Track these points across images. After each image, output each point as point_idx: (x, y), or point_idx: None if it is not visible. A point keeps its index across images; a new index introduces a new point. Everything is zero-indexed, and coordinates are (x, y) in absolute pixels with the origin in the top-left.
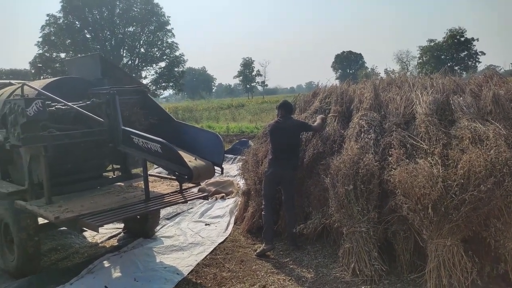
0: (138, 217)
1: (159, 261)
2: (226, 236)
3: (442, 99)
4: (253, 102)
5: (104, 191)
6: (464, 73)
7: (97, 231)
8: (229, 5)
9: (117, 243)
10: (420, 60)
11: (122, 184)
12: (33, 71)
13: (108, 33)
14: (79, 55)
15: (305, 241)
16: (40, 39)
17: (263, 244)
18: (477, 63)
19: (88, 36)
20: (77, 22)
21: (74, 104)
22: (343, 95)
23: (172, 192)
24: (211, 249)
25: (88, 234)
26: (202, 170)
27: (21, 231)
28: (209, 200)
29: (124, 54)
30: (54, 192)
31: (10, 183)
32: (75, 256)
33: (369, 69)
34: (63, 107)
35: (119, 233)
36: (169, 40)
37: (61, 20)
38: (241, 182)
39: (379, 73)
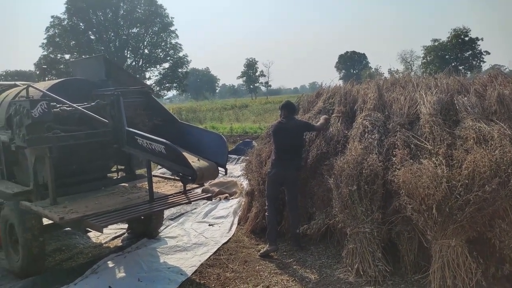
0: (142, 217)
1: (163, 262)
2: (229, 237)
3: (447, 99)
4: (256, 102)
5: (108, 192)
6: (469, 73)
7: (101, 232)
8: (231, 5)
9: (121, 244)
10: (424, 60)
11: (126, 185)
12: (38, 72)
13: (112, 34)
14: (83, 57)
15: (308, 241)
16: (45, 41)
17: (267, 245)
18: (481, 63)
19: (92, 37)
20: (81, 24)
21: (78, 106)
22: (347, 95)
23: (176, 193)
24: (215, 249)
25: (93, 234)
26: (206, 170)
27: (26, 231)
28: (213, 200)
29: (128, 55)
30: (59, 193)
31: (15, 184)
32: (80, 257)
33: (373, 69)
34: (68, 108)
35: (123, 234)
36: (173, 41)
37: (65, 22)
38: (244, 183)
39: (383, 73)
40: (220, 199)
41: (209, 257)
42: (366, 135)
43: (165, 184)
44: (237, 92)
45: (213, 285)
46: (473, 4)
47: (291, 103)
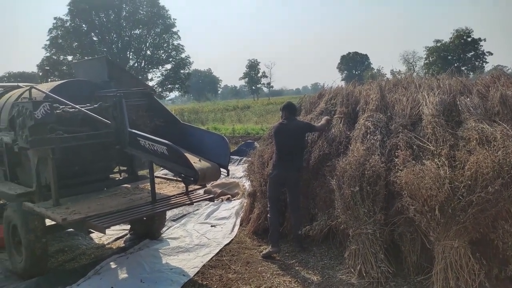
0: (145, 218)
1: (165, 263)
2: (232, 238)
3: (449, 100)
4: (258, 103)
5: (110, 193)
6: (471, 73)
7: (104, 233)
8: (233, 6)
9: (123, 245)
10: (427, 61)
11: (129, 186)
12: (40, 73)
13: (114, 35)
14: (86, 58)
15: (311, 242)
16: (48, 42)
17: (269, 246)
18: (484, 64)
19: (95, 39)
20: (84, 25)
21: (81, 107)
22: (349, 96)
23: (178, 194)
24: (217, 250)
25: (95, 235)
26: (208, 171)
27: (29, 232)
28: (215, 201)
29: (131, 57)
30: (61, 194)
31: (18, 185)
32: (82, 258)
33: (375, 70)
34: (70, 110)
35: (126, 235)
36: (175, 42)
37: (68, 23)
38: (246, 184)
39: (385, 74)
40: (222, 200)
41: (211, 258)
42: (368, 136)
43: (167, 185)
44: (239, 93)
45: (215, 286)
46: (475, 5)
47: (292, 104)
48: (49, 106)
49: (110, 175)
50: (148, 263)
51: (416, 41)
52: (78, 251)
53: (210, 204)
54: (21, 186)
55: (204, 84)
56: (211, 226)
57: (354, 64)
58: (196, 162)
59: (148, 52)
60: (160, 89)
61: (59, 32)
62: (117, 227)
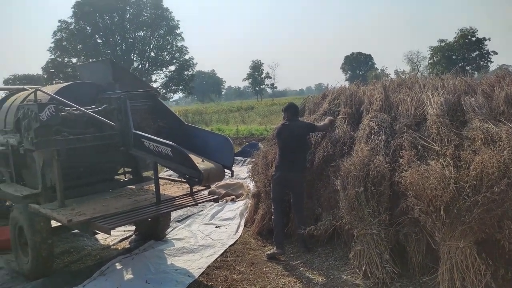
0: (150, 219)
1: (170, 263)
2: (236, 239)
3: (454, 100)
4: (262, 104)
5: (115, 194)
6: (476, 73)
7: (109, 234)
8: (236, 7)
9: (128, 246)
10: (431, 61)
11: (134, 187)
12: (45, 76)
13: (118, 38)
14: (90, 60)
15: (315, 243)
16: (52, 45)
17: (274, 247)
18: (489, 63)
19: (99, 41)
20: (88, 28)
21: (86, 109)
22: (353, 96)
23: (182, 195)
24: (222, 251)
25: (100, 236)
26: (212, 172)
27: (35, 234)
28: (220, 202)
29: (135, 59)
30: (66, 196)
31: (24, 187)
32: (88, 258)
33: (379, 70)
34: (75, 112)
35: (131, 236)
36: (179, 44)
37: (72, 26)
38: (251, 185)
39: (389, 74)
40: (226, 201)
41: (216, 259)
42: (372, 136)
43: (171, 186)
44: (243, 94)
45: (220, 287)
46: (480, 4)
47: (294, 105)
48: (54, 108)
49: (115, 177)
50: (153, 264)
51: (420, 41)
52: (84, 252)
53: (215, 205)
54: (26, 187)
55: (208, 85)
56: (216, 227)
57: (358, 65)
58: (199, 163)
59: (152, 54)
60: (164, 91)
61: (64, 35)
62: (122, 228)
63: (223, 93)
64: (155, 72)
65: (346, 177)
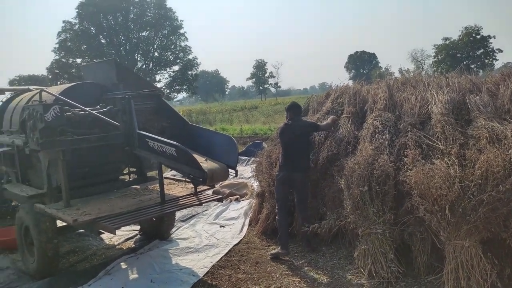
0: (154, 219)
1: (175, 263)
2: (240, 238)
3: (458, 99)
4: (266, 103)
5: (120, 194)
6: (481, 71)
7: (114, 233)
8: (239, 7)
9: (133, 245)
10: (436, 59)
11: (138, 187)
12: (50, 76)
13: (122, 38)
14: (94, 61)
15: (320, 242)
16: (57, 45)
17: (279, 248)
18: (494, 61)
19: (103, 41)
20: (92, 28)
21: (90, 109)
22: (356, 95)
23: (187, 195)
24: (226, 251)
25: (105, 236)
26: (216, 172)
27: (41, 233)
28: (224, 202)
29: (139, 59)
30: (72, 195)
31: (29, 187)
32: (93, 258)
33: (383, 69)
34: (80, 112)
35: (136, 235)
36: (182, 44)
37: (76, 26)
38: (255, 184)
39: (393, 73)
40: (231, 201)
41: (221, 259)
42: (376, 135)
43: (176, 186)
44: (247, 94)
45: (224, 286)
46: (485, 2)
47: (296, 104)
48: (59, 109)
49: (120, 177)
50: (158, 263)
51: (425, 39)
52: (89, 252)
53: (219, 204)
54: (32, 188)
55: (211, 85)
56: (220, 226)
57: (362, 63)
58: (203, 162)
59: (156, 54)
60: (168, 91)
61: (68, 35)
62: (127, 227)
63: (226, 92)
64: (159, 72)
65: (351, 176)
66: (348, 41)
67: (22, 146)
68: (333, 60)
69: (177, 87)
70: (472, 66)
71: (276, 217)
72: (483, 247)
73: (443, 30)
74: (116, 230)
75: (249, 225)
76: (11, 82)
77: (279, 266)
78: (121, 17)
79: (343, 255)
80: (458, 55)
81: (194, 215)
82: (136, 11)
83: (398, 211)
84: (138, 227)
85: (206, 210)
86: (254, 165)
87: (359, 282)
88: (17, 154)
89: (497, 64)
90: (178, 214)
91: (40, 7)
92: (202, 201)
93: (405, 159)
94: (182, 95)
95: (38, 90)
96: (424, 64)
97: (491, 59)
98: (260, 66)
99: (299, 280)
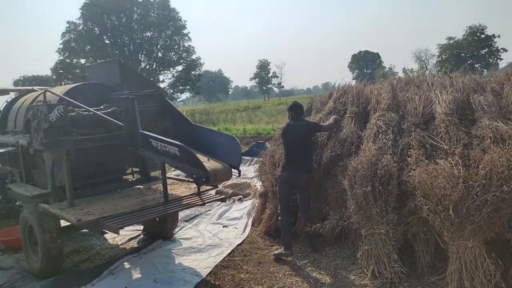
0: (157, 219)
1: (178, 263)
2: (243, 238)
3: (462, 98)
4: (269, 103)
5: (124, 194)
6: (485, 71)
7: (118, 233)
8: (243, 7)
9: (137, 245)
10: (440, 59)
11: (142, 187)
12: (54, 77)
13: (126, 38)
14: (98, 61)
15: (323, 243)
16: (61, 46)
17: (282, 248)
18: (498, 61)
19: (107, 42)
20: (96, 29)
21: (94, 110)
22: (359, 95)
23: (190, 195)
24: (229, 251)
25: (109, 236)
26: (219, 172)
27: (45, 233)
28: (227, 202)
29: (142, 59)
30: (76, 195)
31: (33, 187)
32: (96, 258)
33: (387, 69)
34: (84, 112)
35: (139, 235)
36: (186, 44)
37: (80, 27)
38: (258, 184)
39: (397, 73)
40: (234, 201)
41: (224, 259)
42: (380, 135)
43: (179, 186)
44: (250, 94)
45: (227, 286)
46: (489, 1)
47: (298, 104)
48: (63, 109)
49: (123, 177)
50: (161, 263)
51: (429, 38)
52: (93, 252)
53: (222, 204)
54: (36, 187)
55: (215, 85)
56: (223, 226)
57: (365, 63)
58: (206, 162)
59: (160, 54)
60: (171, 91)
61: (72, 36)
62: (131, 227)
63: (230, 92)
64: (162, 72)
65: (354, 177)
66: (352, 40)
67: (26, 146)
68: (336, 60)
69: (180, 87)
70: (477, 65)
71: (279, 217)
72: (487, 247)
73: (447, 29)
74: (120, 230)
75: (252, 225)
76: (16, 83)
77: (282, 266)
78: (125, 18)
79: (346, 255)
80: (462, 54)
81: (197, 215)
82: (140, 12)
83: (402, 211)
84: (141, 227)
85: (209, 210)
86: (257, 165)
87: (362, 282)
88: (21, 154)
89: (502, 64)
90: (181, 214)
91: (44, 8)
92: (205, 201)
93: (409, 159)
94: (185, 95)
95: (43, 91)
96: (428, 64)
97: (495, 58)
98: (263, 66)
99: (302, 280)
